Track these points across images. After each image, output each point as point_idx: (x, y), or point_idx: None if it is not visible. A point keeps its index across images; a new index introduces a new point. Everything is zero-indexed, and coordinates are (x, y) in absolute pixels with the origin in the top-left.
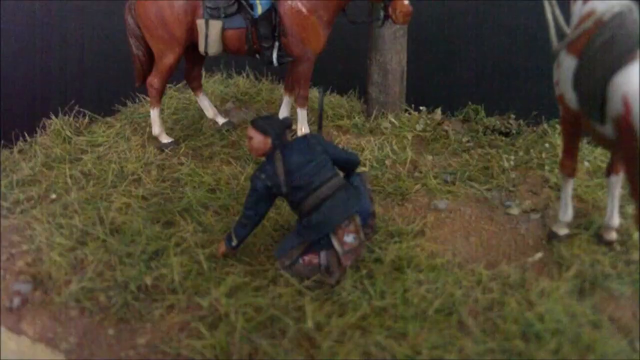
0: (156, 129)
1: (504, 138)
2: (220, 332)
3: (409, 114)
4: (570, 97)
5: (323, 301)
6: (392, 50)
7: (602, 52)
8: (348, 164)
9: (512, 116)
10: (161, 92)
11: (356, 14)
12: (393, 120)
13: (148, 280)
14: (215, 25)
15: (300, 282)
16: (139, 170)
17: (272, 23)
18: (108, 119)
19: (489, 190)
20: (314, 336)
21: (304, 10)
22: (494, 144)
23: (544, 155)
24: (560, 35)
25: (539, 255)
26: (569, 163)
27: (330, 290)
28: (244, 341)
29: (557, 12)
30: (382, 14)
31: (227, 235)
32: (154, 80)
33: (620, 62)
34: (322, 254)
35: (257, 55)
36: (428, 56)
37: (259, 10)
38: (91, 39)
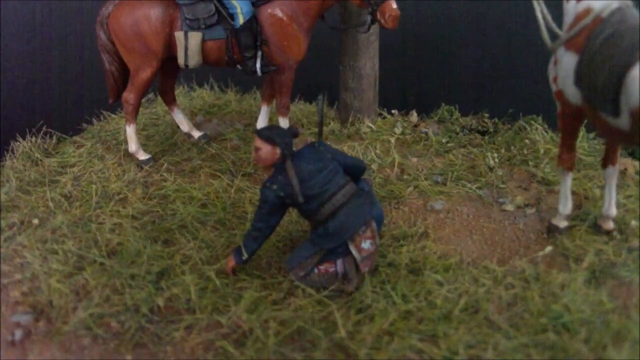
0: (133, 146)
1: (482, 137)
2: (249, 349)
3: (384, 118)
4: (571, 92)
5: (347, 309)
6: (366, 55)
7: (607, 46)
8: (355, 170)
9: (486, 115)
10: (137, 108)
11: (330, 20)
12: (370, 124)
13: (160, 302)
14: (195, 37)
15: (317, 292)
16: (124, 190)
17: (253, 32)
18: (76, 138)
19: (480, 188)
20: (348, 345)
21: (284, 18)
22: (474, 143)
23: (525, 151)
24: (551, 34)
25: (549, 248)
26: (567, 157)
27: (350, 297)
28: (277, 356)
29: (545, 11)
30: (369, 18)
31: (235, 250)
32: (129, 96)
33: (631, 55)
34: (339, 262)
35: (239, 66)
36: (396, 60)
37: (241, 20)
38: (52, 58)
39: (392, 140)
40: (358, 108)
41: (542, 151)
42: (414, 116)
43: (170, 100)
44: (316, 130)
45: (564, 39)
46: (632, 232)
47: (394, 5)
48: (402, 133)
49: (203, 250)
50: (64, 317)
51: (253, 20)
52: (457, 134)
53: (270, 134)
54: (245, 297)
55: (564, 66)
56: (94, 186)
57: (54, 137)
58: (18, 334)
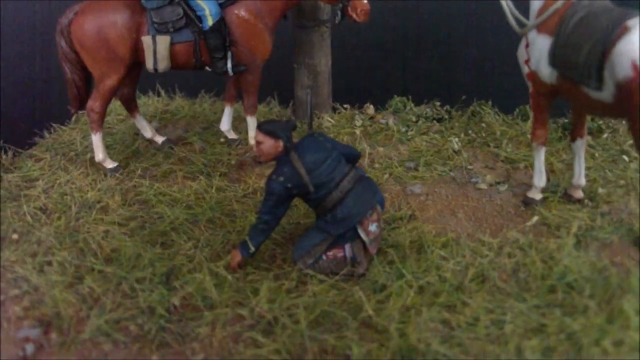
0: (100, 154)
1: (437, 123)
2: (281, 336)
3: (339, 112)
4: (546, 72)
5: (364, 291)
6: (321, 52)
7: (583, 27)
8: (351, 157)
9: (438, 103)
10: (103, 116)
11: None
12: (330, 119)
13: (176, 301)
14: (164, 41)
15: (327, 277)
16: (103, 198)
17: (222, 34)
18: (32, 152)
19: (451, 170)
20: (377, 322)
21: (251, 18)
22: (433, 130)
23: (484, 134)
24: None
25: (535, 218)
26: (541, 132)
27: (362, 279)
28: (310, 340)
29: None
30: (339, 14)
31: (240, 244)
32: (95, 105)
33: (611, 32)
34: (347, 247)
35: (207, 68)
36: (344, 55)
37: (210, 21)
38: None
39: (357, 132)
40: (315, 104)
41: (498, 133)
42: (370, 109)
43: (132, 108)
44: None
45: (536, 23)
46: (601, 199)
47: (365, 0)
48: (362, 125)
49: (203, 249)
50: (77, 326)
51: (221, 22)
52: (415, 122)
53: (272, 127)
54: (263, 288)
55: (537, 48)
56: (68, 197)
57: (9, 152)
58: (29, 348)
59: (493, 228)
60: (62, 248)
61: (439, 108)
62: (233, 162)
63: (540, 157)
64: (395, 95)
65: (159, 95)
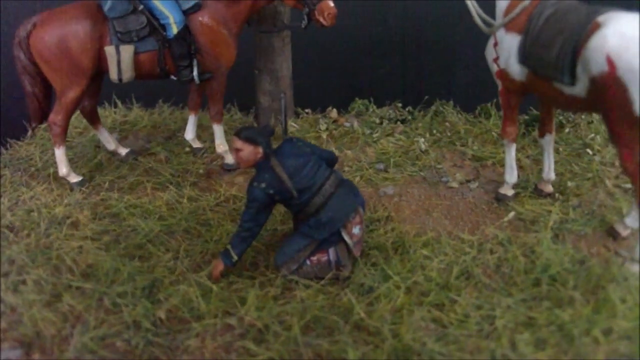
0: (64, 169)
1: (402, 124)
2: (273, 343)
3: (302, 117)
4: (516, 70)
5: (351, 294)
6: (281, 57)
7: (552, 23)
8: (328, 162)
9: (399, 104)
10: (66, 130)
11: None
12: (294, 124)
13: (162, 314)
14: (128, 50)
15: (313, 282)
16: (72, 213)
17: (187, 41)
18: None
19: (420, 170)
20: (368, 325)
21: (215, 25)
22: (398, 131)
23: (449, 133)
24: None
25: (512, 214)
26: (512, 130)
27: (347, 283)
28: (303, 346)
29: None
30: (306, 19)
31: (223, 253)
32: (57, 118)
33: (583, 29)
34: (331, 251)
35: (172, 76)
36: (303, 59)
37: (174, 29)
38: None
39: (324, 136)
40: (277, 109)
41: (463, 132)
42: (333, 112)
43: (94, 120)
44: None
45: (504, 21)
46: (571, 192)
47: (332, 4)
48: (327, 129)
49: (183, 260)
50: (60, 345)
51: (186, 29)
52: (379, 124)
53: (251, 133)
54: (250, 296)
55: (506, 46)
56: (34, 213)
57: None
58: None
59: (470, 225)
60: (35, 266)
61: (401, 109)
62: (201, 171)
63: (511, 154)
64: (357, 98)
65: (115, 106)
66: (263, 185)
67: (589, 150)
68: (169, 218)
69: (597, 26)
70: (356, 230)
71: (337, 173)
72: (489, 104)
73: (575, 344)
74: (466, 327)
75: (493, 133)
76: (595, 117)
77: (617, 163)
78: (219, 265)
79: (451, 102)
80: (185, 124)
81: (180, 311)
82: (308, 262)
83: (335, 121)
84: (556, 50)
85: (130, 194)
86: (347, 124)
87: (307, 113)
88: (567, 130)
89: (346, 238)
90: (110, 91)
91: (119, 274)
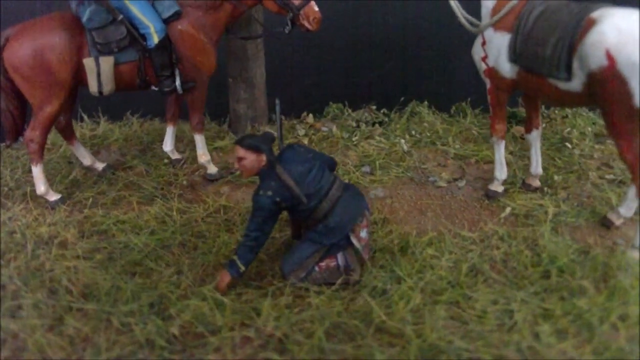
0: (42, 187)
1: (380, 127)
2: (298, 352)
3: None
4: (505, 67)
5: (366, 296)
6: (256, 64)
7: (544, 21)
8: (329, 166)
9: (374, 107)
10: (44, 146)
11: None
12: (271, 130)
13: (175, 330)
14: (108, 61)
15: (324, 288)
16: (61, 232)
17: (168, 51)
18: None
19: (406, 171)
20: (390, 327)
21: (194, 32)
22: (377, 134)
23: (428, 134)
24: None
25: (508, 209)
26: (501, 127)
27: (358, 287)
28: (329, 353)
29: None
30: (289, 24)
31: (228, 264)
32: (34, 134)
33: (576, 25)
34: (339, 255)
35: (153, 87)
36: (274, 64)
37: (155, 39)
38: None
39: (305, 141)
40: (253, 117)
41: (441, 131)
42: (309, 117)
43: (69, 135)
44: None
45: (493, 21)
46: (559, 185)
47: (316, 8)
48: (306, 134)
49: (187, 274)
50: None
51: (166, 38)
52: (356, 127)
53: (253, 141)
54: (264, 306)
55: (495, 45)
56: (17, 235)
57: None
58: None
59: (466, 223)
60: (29, 289)
61: (376, 112)
62: (185, 182)
63: (500, 151)
64: (331, 102)
65: (82, 120)
66: (269, 193)
67: (568, 144)
68: (160, 232)
69: (591, 22)
70: (364, 233)
71: (339, 177)
72: (463, 103)
73: (596, 332)
74: (486, 323)
75: (473, 131)
76: (569, 111)
77: (596, 155)
78: (225, 277)
79: (425, 103)
80: (158, 135)
81: (194, 326)
82: (317, 268)
83: (312, 126)
84: (551, 47)
85: (115, 209)
86: (325, 129)
87: (281, 118)
88: (543, 125)
89: (354, 242)
90: (75, 105)
91: (121, 293)
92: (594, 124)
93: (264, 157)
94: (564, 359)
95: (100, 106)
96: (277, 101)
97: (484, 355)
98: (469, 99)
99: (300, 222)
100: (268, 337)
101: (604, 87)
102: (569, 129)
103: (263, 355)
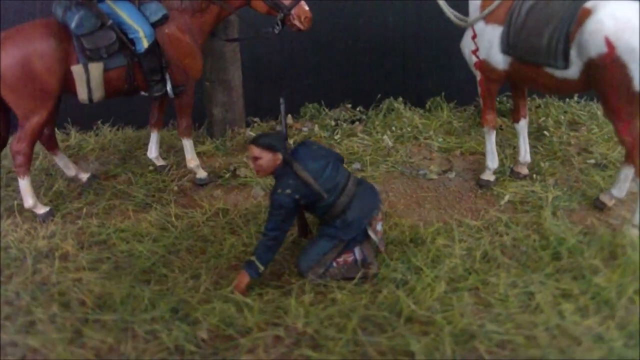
0: (29, 200)
1: (359, 124)
2: (333, 347)
3: (252, 126)
4: (498, 59)
5: (388, 287)
6: (233, 67)
7: (537, 13)
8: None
9: (349, 105)
10: (31, 158)
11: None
12: (252, 133)
13: (204, 334)
14: (97, 68)
15: (344, 283)
16: (60, 245)
17: (157, 55)
18: None
19: (395, 166)
20: (420, 315)
21: (181, 36)
22: (357, 131)
23: (409, 129)
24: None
25: (507, 197)
26: (491, 117)
27: (376, 279)
28: (364, 346)
29: None
30: (279, 24)
31: (247, 265)
32: (21, 146)
33: (572, 15)
34: (356, 250)
35: (143, 92)
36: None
37: (145, 43)
38: None
39: (291, 142)
40: (231, 120)
41: (420, 126)
42: (289, 118)
43: (52, 146)
44: None
45: (484, 14)
46: (546, 172)
47: (307, 7)
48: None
49: (201, 278)
50: None
51: (155, 42)
52: (336, 126)
53: (269, 140)
54: (291, 304)
55: (487, 38)
56: (13, 250)
57: None
58: None
59: (466, 212)
60: (39, 304)
61: (352, 110)
62: (175, 188)
63: (491, 140)
64: (307, 102)
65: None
66: (288, 191)
67: (546, 132)
68: (163, 239)
69: (587, 12)
70: (379, 226)
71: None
72: (438, 98)
73: (617, 307)
74: (510, 306)
75: (453, 124)
76: (541, 101)
77: (573, 142)
78: (244, 278)
79: (400, 99)
80: (136, 143)
81: (221, 329)
82: (334, 264)
83: (291, 127)
84: (547, 37)
85: (109, 219)
86: (305, 129)
87: (255, 122)
88: None
89: (372, 235)
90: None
91: (137, 301)
92: (565, 112)
93: (279, 156)
94: (591, 335)
95: (69, 116)
96: (281, 100)
97: (516, 337)
98: (442, 94)
99: (306, 220)
100: (299, 335)
101: (604, 72)
102: (543, 118)
103: (298, 353)
